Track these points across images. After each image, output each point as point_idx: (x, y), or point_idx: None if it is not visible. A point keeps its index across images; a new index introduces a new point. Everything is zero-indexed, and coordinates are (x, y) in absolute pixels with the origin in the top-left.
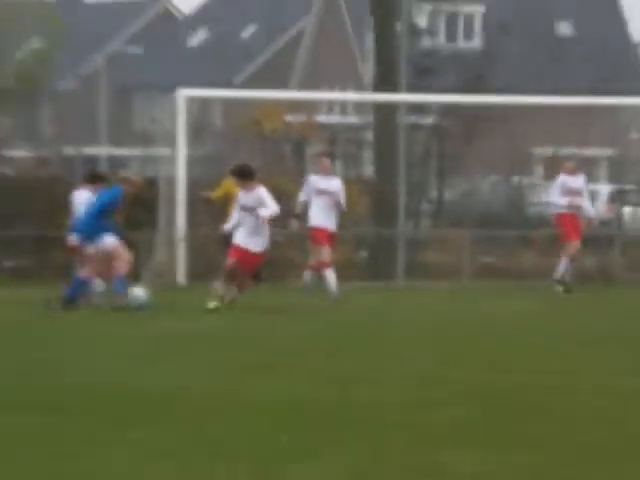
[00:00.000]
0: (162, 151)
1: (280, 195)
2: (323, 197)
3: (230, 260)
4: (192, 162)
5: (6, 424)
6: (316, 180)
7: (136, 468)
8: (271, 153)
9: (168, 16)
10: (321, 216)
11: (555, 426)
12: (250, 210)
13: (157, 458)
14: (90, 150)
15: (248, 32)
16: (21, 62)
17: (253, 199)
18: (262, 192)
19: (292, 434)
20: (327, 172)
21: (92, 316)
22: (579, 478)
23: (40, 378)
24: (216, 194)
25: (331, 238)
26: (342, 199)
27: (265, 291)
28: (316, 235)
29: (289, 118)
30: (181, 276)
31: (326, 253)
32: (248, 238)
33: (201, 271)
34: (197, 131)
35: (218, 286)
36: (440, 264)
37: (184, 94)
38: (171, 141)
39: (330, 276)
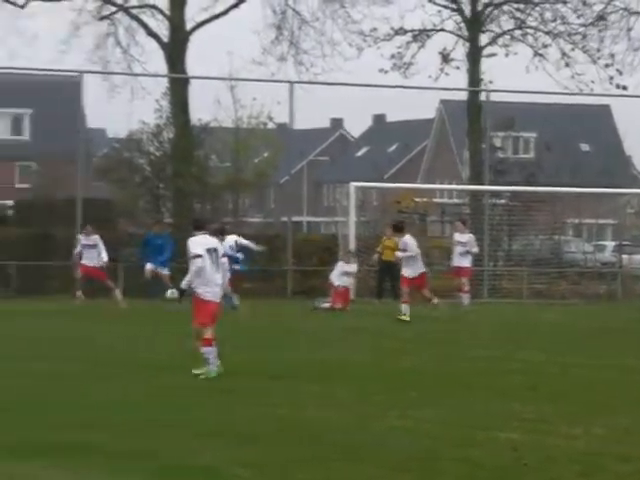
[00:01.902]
0: (340, 219)
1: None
2: (460, 246)
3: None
4: (358, 225)
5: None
6: (456, 236)
7: (322, 412)
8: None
9: (343, 138)
10: (457, 258)
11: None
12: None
13: (334, 405)
14: (296, 218)
15: (392, 148)
16: (257, 165)
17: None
18: (405, 238)
19: (419, 391)
20: (462, 230)
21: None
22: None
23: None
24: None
25: (466, 272)
26: (474, 247)
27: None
28: (459, 271)
29: (417, 199)
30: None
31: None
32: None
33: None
34: (361, 207)
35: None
36: (509, 289)
37: (354, 185)
38: (346, 212)
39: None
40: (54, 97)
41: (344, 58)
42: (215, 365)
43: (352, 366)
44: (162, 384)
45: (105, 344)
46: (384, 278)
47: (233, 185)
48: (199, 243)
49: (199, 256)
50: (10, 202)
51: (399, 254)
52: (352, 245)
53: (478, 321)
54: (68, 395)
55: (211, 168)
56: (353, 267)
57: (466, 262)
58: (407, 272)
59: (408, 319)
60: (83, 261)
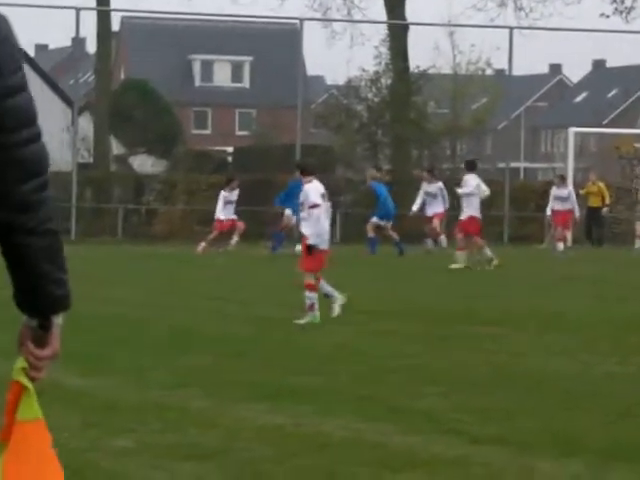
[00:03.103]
0: (558, 165)
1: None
2: None
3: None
4: (576, 171)
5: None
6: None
7: (539, 360)
8: (626, 167)
9: (562, 84)
10: None
11: None
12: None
13: (551, 353)
14: (514, 164)
15: (611, 93)
16: (475, 111)
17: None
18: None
19: None
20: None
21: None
22: None
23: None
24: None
25: None
26: None
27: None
28: None
29: (637, 145)
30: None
31: None
32: None
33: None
34: (579, 153)
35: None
36: None
37: (573, 130)
38: (563, 158)
39: None
40: (274, 44)
41: (564, 3)
42: (317, 310)
43: (569, 313)
44: (380, 329)
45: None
46: (591, 224)
47: (451, 131)
48: (317, 190)
49: (318, 206)
50: (230, 149)
51: (458, 190)
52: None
53: None
54: (291, 341)
55: (429, 114)
56: (564, 191)
57: None
58: (468, 212)
59: (461, 266)
60: (221, 216)
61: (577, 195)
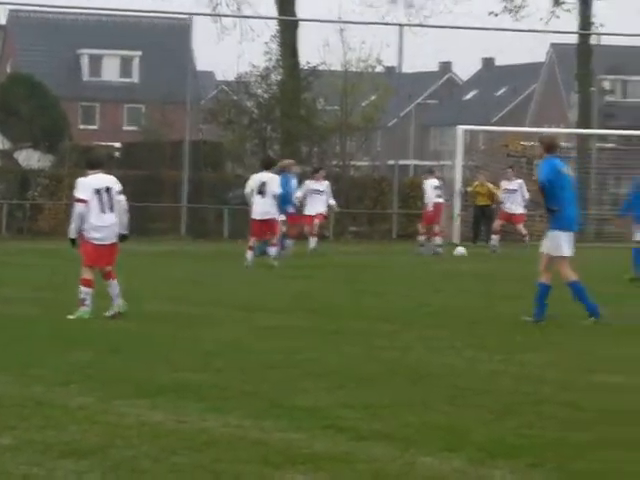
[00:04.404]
0: (447, 162)
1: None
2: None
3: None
4: (464, 169)
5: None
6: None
7: (427, 355)
8: (513, 164)
9: (452, 81)
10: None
11: None
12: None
13: (438, 349)
14: (403, 161)
15: (500, 91)
16: (365, 108)
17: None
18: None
19: (524, 335)
20: (510, 178)
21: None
22: None
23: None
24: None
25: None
26: (525, 193)
27: None
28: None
29: (525, 143)
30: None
31: None
32: None
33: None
34: (468, 151)
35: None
36: (616, 233)
37: (461, 128)
38: (452, 156)
39: None
40: (163, 39)
41: (454, 1)
42: (90, 307)
43: (456, 310)
44: (268, 325)
45: (211, 285)
46: (479, 222)
47: (341, 128)
48: (87, 185)
49: (82, 201)
50: (118, 144)
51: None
52: (458, 186)
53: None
54: (177, 337)
55: (319, 111)
56: (435, 182)
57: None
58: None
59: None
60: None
61: (465, 193)
